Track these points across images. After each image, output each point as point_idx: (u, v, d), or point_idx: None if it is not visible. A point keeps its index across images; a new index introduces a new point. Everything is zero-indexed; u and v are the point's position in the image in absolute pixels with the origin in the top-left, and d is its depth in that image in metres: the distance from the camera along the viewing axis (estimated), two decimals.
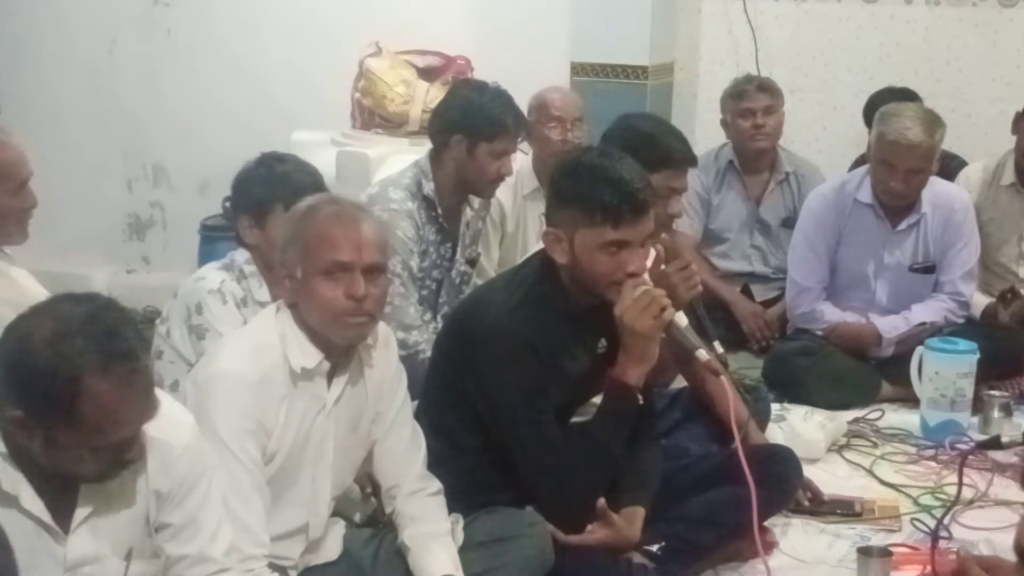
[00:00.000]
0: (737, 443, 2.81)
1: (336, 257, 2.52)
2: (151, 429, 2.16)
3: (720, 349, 3.17)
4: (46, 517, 2.09)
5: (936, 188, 4.45)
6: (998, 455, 3.72)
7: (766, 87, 5.08)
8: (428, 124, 4.07)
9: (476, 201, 4.10)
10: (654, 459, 3.09)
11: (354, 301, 2.51)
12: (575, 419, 3.00)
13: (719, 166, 5.15)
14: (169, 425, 2.22)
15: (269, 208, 3.12)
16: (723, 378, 2.97)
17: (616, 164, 2.80)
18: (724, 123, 5.15)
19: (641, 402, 2.89)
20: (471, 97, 3.92)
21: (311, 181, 3.19)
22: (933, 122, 4.27)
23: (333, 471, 2.66)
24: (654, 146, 3.28)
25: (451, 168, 3.87)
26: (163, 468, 2.21)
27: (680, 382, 3.66)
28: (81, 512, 2.13)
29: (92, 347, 2.00)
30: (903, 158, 4.25)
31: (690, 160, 3.42)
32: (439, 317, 3.96)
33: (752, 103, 5.03)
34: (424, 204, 3.87)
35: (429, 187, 3.87)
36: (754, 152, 5.08)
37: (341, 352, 2.62)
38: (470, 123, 3.84)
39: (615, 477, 2.94)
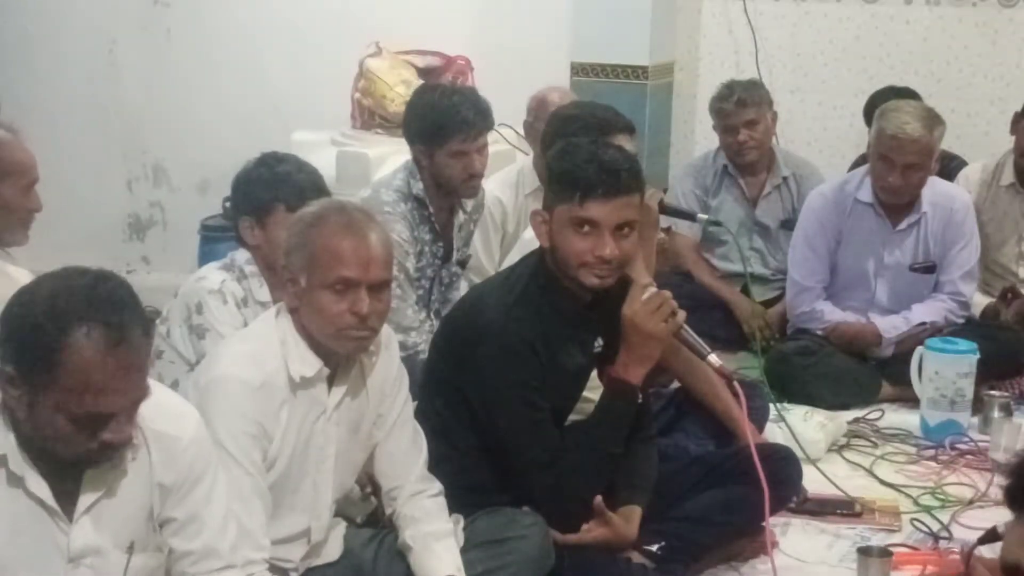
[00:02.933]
0: (751, 446, 2.82)
1: (343, 273, 2.49)
2: (157, 423, 2.18)
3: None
4: (50, 501, 2.09)
5: (936, 188, 4.45)
6: (999, 455, 3.72)
7: (746, 100, 4.96)
8: None
9: (469, 204, 4.11)
10: (650, 458, 3.08)
11: (357, 317, 2.50)
12: (572, 416, 3.00)
13: (716, 168, 5.13)
14: (175, 419, 2.24)
15: (271, 209, 3.11)
16: (736, 384, 2.97)
17: (602, 147, 2.84)
18: (715, 128, 5.14)
19: (639, 400, 2.90)
20: (418, 104, 3.94)
21: (312, 181, 3.19)
22: (932, 119, 4.28)
23: (334, 475, 2.66)
24: (583, 119, 3.43)
25: (426, 173, 3.90)
26: (168, 461, 2.21)
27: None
28: (84, 501, 2.13)
29: (85, 309, 2.02)
30: (901, 153, 4.25)
31: (622, 124, 3.49)
32: (432, 315, 3.97)
33: (732, 120, 4.98)
34: (416, 204, 3.88)
35: (418, 187, 3.88)
36: (744, 163, 5.07)
37: (341, 358, 2.61)
38: (420, 132, 3.86)
39: (612, 475, 2.94)
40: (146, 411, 2.15)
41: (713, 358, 2.83)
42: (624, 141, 3.42)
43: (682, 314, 2.82)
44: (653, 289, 2.81)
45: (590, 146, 2.84)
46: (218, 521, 2.29)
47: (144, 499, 2.21)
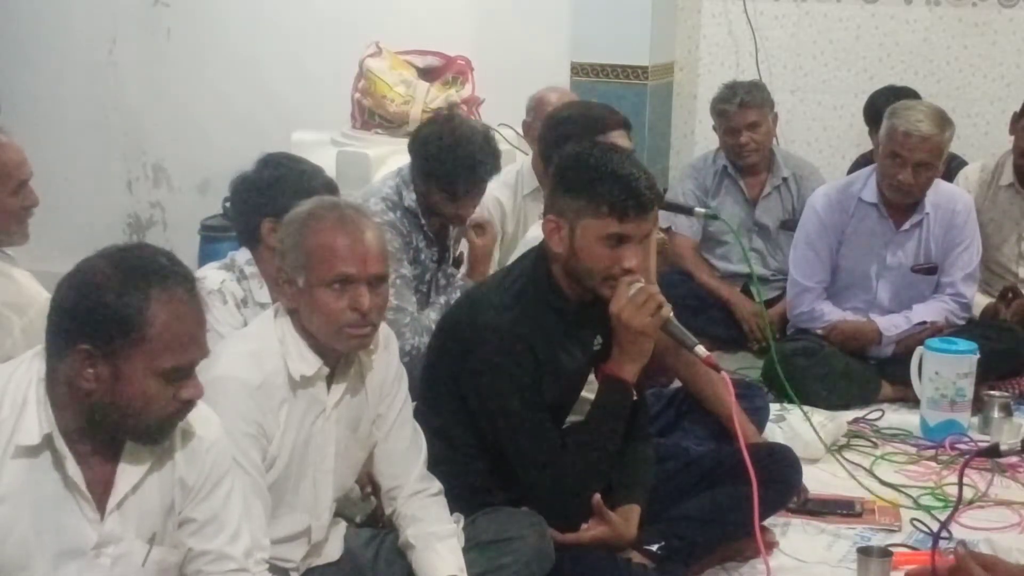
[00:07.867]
0: (740, 438, 2.83)
1: (341, 269, 2.50)
2: (184, 421, 2.21)
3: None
4: (83, 486, 2.11)
5: (938, 189, 4.45)
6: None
7: (748, 102, 4.96)
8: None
9: None
10: (648, 457, 3.09)
11: (358, 313, 2.51)
12: (572, 417, 3.00)
13: (716, 169, 5.13)
14: (201, 420, 2.26)
15: None
16: (723, 374, 2.97)
17: (625, 160, 2.82)
18: (715, 129, 5.14)
19: (634, 398, 2.90)
20: (432, 148, 3.76)
21: (330, 182, 3.21)
22: (943, 119, 4.30)
23: (334, 474, 2.66)
24: (578, 119, 3.48)
25: (422, 198, 3.84)
26: (192, 459, 2.24)
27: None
28: (118, 492, 2.15)
29: (154, 266, 2.08)
30: (914, 150, 4.25)
31: (617, 121, 3.54)
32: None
33: (734, 122, 4.97)
34: (408, 214, 3.83)
35: (410, 198, 3.82)
36: (744, 164, 5.07)
37: (340, 357, 2.62)
38: (427, 175, 3.77)
39: (610, 474, 2.94)
40: None
41: (700, 349, 2.83)
42: (620, 138, 3.42)
43: (668, 307, 2.82)
44: (639, 284, 2.81)
45: (613, 161, 2.80)
46: (235, 524, 2.31)
47: (166, 493, 2.23)
